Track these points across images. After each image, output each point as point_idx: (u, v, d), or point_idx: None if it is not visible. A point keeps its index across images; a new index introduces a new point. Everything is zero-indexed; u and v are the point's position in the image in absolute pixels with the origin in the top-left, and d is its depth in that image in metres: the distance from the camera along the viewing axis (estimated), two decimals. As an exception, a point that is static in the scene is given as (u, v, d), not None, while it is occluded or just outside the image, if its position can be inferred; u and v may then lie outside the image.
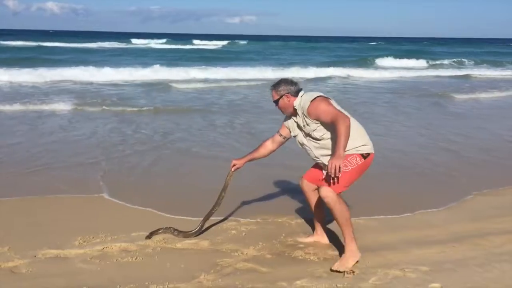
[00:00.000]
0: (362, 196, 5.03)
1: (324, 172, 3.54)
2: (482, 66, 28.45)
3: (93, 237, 3.91)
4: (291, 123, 3.77)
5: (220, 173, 4.61)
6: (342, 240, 3.61)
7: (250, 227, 4.25)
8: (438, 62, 30.98)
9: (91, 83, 15.63)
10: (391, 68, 25.18)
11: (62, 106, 10.63)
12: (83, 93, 13.17)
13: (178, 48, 40.57)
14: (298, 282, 3.26)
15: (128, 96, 12.96)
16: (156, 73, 18.46)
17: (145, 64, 21.45)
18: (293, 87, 3.67)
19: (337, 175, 3.25)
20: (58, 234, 3.97)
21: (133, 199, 4.93)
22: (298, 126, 3.70)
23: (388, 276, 3.35)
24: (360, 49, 48.33)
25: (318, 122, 3.50)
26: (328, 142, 3.54)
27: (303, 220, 4.47)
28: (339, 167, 3.23)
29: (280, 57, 32.82)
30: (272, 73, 19.14)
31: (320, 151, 3.60)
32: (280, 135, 3.87)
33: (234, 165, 3.95)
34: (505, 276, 3.36)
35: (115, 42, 48.03)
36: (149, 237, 3.92)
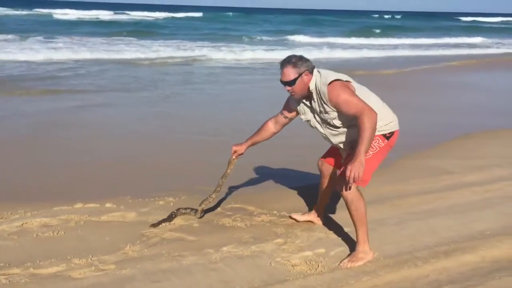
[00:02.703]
0: (293, 164, 5.19)
1: (343, 156, 3.29)
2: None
3: (11, 213, 3.73)
4: (301, 106, 3.27)
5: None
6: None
7: (178, 197, 4.23)
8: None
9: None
10: (309, 46, 22.08)
11: None
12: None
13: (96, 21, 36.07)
14: (224, 248, 3.31)
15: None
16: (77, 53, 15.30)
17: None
18: (310, 63, 3.12)
19: (354, 181, 2.90)
20: (-28, 212, 3.75)
21: None
22: (312, 110, 3.23)
23: (312, 238, 3.49)
24: (300, 21, 46.48)
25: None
26: (348, 130, 3.16)
27: (232, 188, 4.51)
28: (358, 175, 2.86)
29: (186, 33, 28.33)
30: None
31: (339, 138, 3.22)
32: (285, 117, 3.42)
33: (234, 152, 3.59)
34: (418, 233, 3.60)
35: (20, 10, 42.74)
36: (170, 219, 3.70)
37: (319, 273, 3.01)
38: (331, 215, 3.91)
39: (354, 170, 2.85)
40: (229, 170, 3.72)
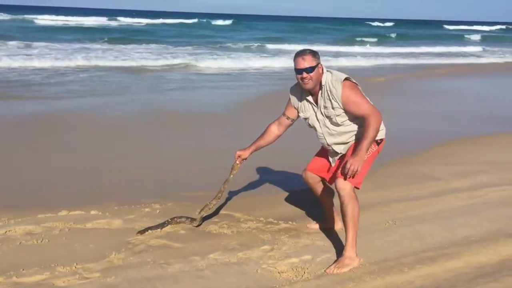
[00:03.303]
0: (280, 170, 5.19)
1: (331, 160, 3.41)
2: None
3: (-6, 221, 3.68)
4: (302, 103, 3.37)
5: None
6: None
7: (164, 204, 4.21)
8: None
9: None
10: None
11: None
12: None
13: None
14: (211, 255, 3.29)
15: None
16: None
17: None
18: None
19: (352, 175, 3.05)
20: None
21: None
22: (314, 107, 3.32)
23: (298, 245, 3.48)
24: (290, 29, 46.50)
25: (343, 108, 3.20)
26: (346, 130, 3.28)
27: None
28: (357, 170, 3.02)
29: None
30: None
31: (334, 139, 3.31)
32: (288, 117, 3.46)
33: (238, 157, 3.57)
34: (404, 239, 3.61)
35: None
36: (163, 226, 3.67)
37: (305, 279, 3.00)
38: (319, 222, 3.92)
39: (354, 164, 3.01)
40: (231, 176, 3.69)
